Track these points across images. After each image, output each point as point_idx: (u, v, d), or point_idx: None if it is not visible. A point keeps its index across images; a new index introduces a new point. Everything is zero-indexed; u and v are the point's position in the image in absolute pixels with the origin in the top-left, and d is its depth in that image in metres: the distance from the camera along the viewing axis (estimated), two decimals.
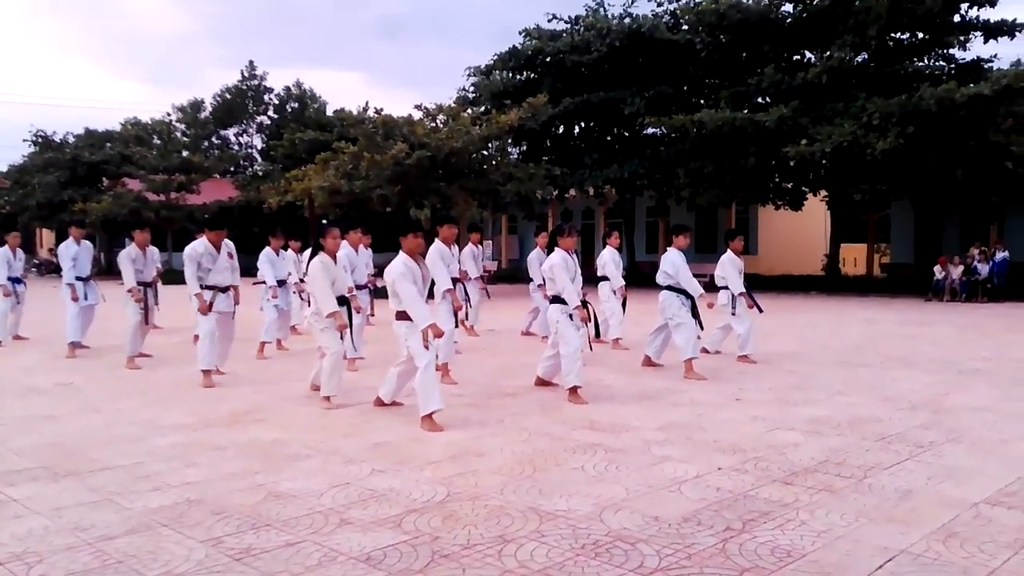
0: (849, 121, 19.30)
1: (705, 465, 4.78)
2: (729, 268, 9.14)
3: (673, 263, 8.25)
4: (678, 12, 25.01)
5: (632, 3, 26.16)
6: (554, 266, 6.95)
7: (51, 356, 9.91)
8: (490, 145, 23.29)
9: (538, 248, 11.27)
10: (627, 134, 27.02)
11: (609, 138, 27.51)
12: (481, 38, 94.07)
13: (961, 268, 19.63)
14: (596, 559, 3.34)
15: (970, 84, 18.59)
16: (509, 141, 24.82)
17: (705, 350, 9.14)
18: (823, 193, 24.44)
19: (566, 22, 26.87)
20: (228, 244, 8.12)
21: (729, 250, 9.31)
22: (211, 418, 6.20)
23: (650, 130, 25.22)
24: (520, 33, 27.04)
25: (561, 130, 28.29)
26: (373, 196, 21.13)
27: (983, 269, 19.52)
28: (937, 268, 20.04)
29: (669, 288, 8.29)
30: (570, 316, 6.87)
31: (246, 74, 49.32)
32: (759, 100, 23.08)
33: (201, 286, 7.78)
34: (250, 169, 45.25)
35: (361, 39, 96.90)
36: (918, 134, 18.48)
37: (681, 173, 23.07)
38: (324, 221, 8.43)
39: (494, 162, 23.16)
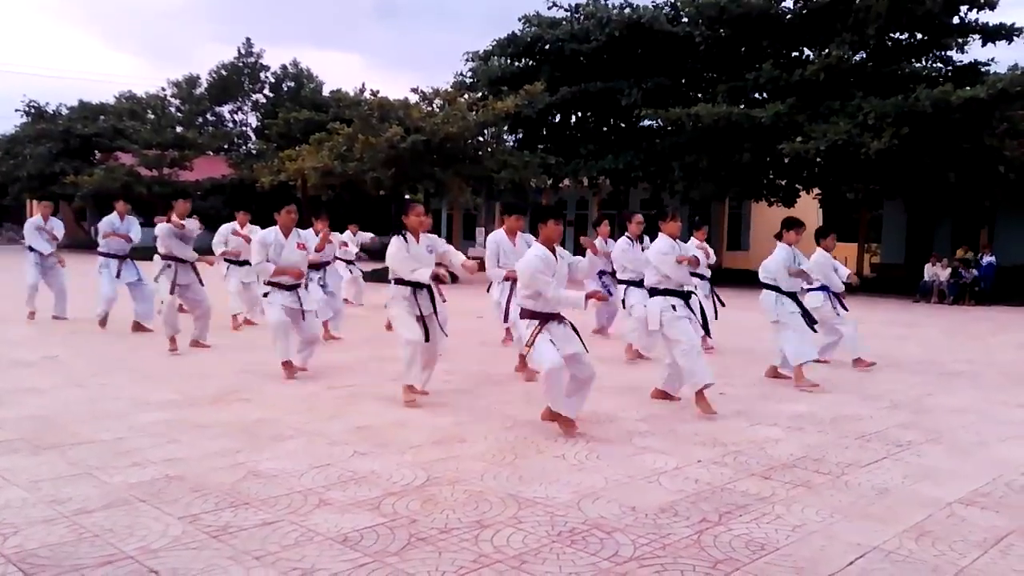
0: (845, 120, 19.30)
1: (685, 457, 4.81)
2: (826, 267, 8.33)
3: (774, 260, 7.53)
4: (678, 4, 24.91)
5: None
6: (664, 254, 6.24)
7: (38, 329, 9.88)
8: (486, 131, 23.21)
9: (599, 237, 9.74)
10: (623, 125, 26.95)
11: (605, 129, 27.44)
12: (479, 23, 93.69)
13: (949, 271, 19.75)
14: (572, 546, 3.37)
15: (966, 87, 18.60)
16: (505, 128, 24.74)
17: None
18: (816, 191, 24.47)
19: (566, 10, 26.72)
20: (299, 233, 7.29)
21: (820, 248, 8.41)
22: (196, 396, 6.20)
23: (646, 122, 25.15)
24: (519, 19, 26.91)
25: (557, 119, 28.19)
26: (366, 179, 21.07)
27: (967, 274, 19.64)
28: (927, 267, 20.13)
29: (769, 287, 7.58)
30: (673, 307, 6.16)
31: (243, 51, 48.93)
32: (756, 96, 23.05)
33: (266, 282, 7.13)
34: (244, 147, 45.00)
35: (359, 20, 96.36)
36: (913, 135, 18.50)
37: (676, 166, 23.05)
38: (407, 197, 7.81)
39: (489, 149, 23.09)
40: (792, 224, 7.66)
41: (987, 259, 19.94)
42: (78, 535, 3.34)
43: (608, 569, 3.15)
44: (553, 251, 5.31)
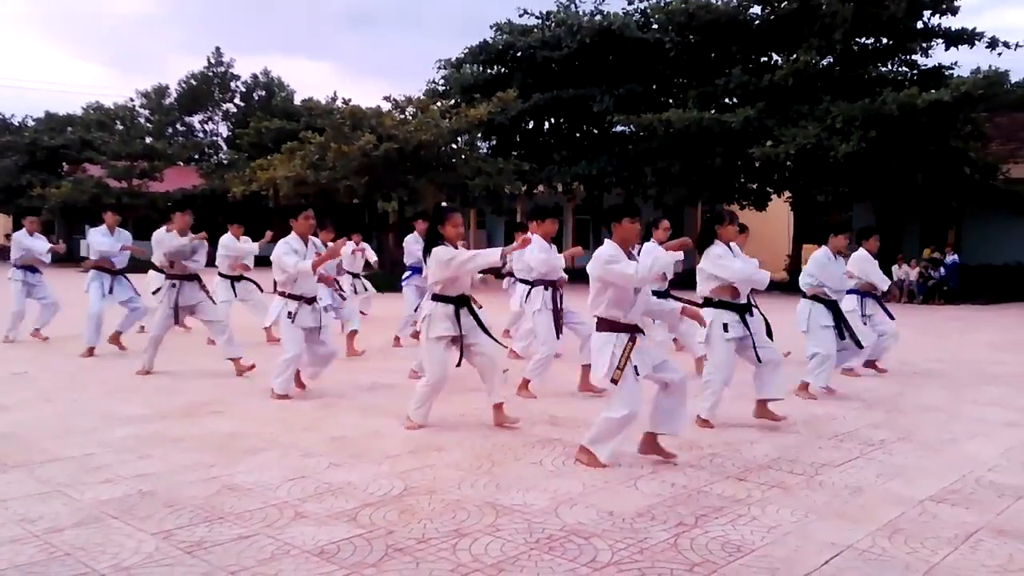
0: (813, 124, 19.59)
1: (661, 460, 4.83)
2: (869, 267, 8.28)
3: (816, 263, 7.25)
4: (648, 11, 25.18)
5: (603, 1, 26.31)
6: (721, 258, 5.71)
7: (5, 345, 9.70)
8: (459, 139, 23.27)
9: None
10: (596, 131, 27.14)
11: (578, 135, 27.60)
12: (451, 30, 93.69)
13: (917, 270, 20.07)
14: (550, 553, 3.37)
15: (931, 90, 18.97)
16: (478, 135, 24.80)
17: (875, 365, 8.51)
18: (787, 194, 24.79)
19: (537, 17, 26.90)
20: (314, 241, 6.91)
21: (862, 248, 8.33)
22: (167, 410, 6.11)
23: (619, 128, 25.36)
24: (491, 27, 27.04)
25: (530, 125, 28.32)
26: (340, 187, 21.03)
27: (935, 273, 19.98)
28: (895, 267, 20.46)
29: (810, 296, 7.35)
30: (725, 325, 5.69)
31: (212, 61, 48.52)
32: (726, 101, 23.31)
33: (286, 295, 6.59)
34: (215, 157, 44.60)
35: (329, 28, 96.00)
36: (880, 138, 18.81)
37: (649, 171, 23.25)
38: (443, 205, 7.24)
39: (463, 156, 23.15)
40: (842, 228, 7.50)
41: (950, 258, 20.31)
42: (49, 554, 3.28)
43: (586, 575, 3.16)
44: (629, 253, 4.74)
